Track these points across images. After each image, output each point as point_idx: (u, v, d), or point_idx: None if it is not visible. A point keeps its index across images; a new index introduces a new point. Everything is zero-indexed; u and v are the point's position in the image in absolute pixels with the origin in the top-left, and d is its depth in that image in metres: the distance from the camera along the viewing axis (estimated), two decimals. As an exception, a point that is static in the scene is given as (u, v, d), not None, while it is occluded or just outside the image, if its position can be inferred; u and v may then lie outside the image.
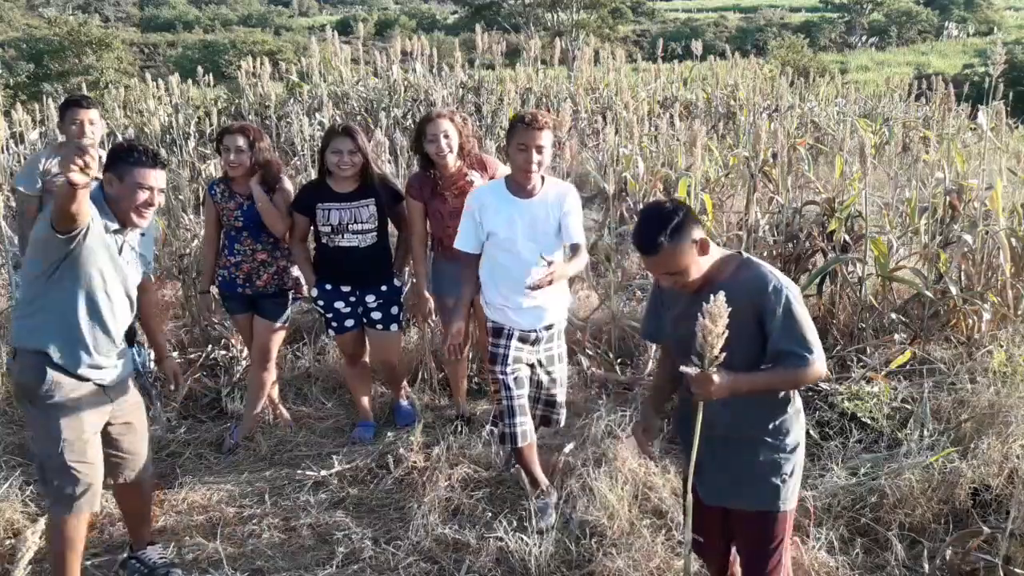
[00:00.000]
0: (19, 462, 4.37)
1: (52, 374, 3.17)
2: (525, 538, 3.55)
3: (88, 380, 3.25)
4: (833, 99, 13.34)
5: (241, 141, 4.47)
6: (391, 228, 4.77)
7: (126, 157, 3.27)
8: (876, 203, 6.14)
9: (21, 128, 9.56)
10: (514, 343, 3.96)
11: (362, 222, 4.49)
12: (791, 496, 2.74)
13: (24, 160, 8.85)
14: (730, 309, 2.32)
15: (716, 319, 2.32)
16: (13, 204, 7.61)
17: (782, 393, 2.70)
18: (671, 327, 2.82)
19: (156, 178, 3.29)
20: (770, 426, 2.69)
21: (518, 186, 3.85)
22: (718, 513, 2.83)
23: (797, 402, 2.76)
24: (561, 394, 4.16)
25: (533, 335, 3.98)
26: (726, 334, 2.34)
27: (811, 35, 43.65)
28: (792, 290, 2.59)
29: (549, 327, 4.02)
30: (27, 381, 3.19)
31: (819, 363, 2.56)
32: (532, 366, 4.06)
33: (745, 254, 2.69)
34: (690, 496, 2.59)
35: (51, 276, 3.12)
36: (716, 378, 2.39)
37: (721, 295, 2.33)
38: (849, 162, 6.43)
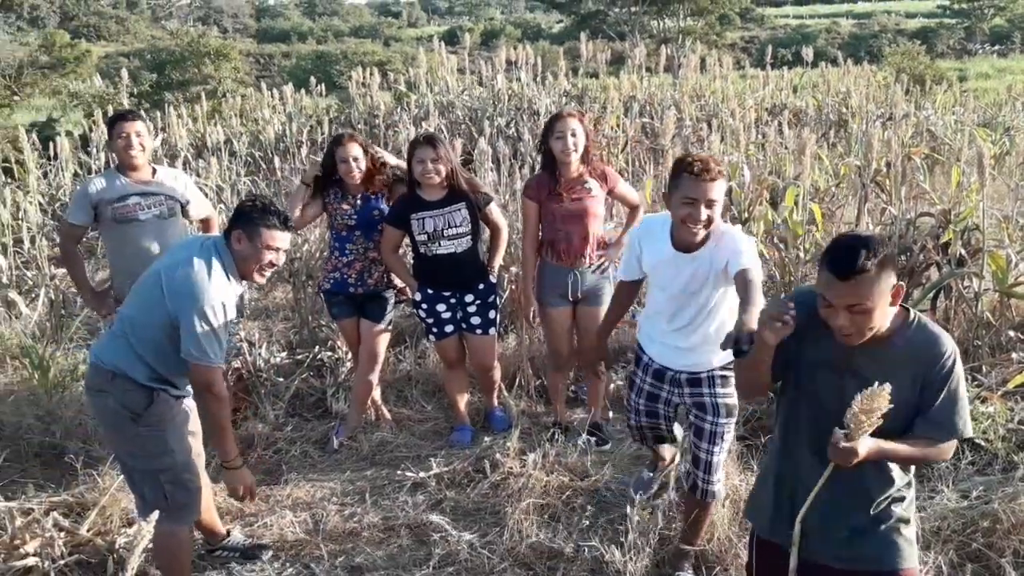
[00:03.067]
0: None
1: (160, 393, 3.31)
2: (620, 551, 3.53)
3: (183, 396, 3.44)
4: (951, 107, 12.85)
5: (357, 150, 4.61)
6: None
7: (259, 218, 3.32)
8: (995, 216, 5.89)
9: (144, 135, 10.00)
10: (649, 379, 3.63)
11: (456, 226, 4.57)
12: (916, 552, 2.55)
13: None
14: (895, 368, 2.25)
15: (875, 403, 2.16)
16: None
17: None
18: (806, 371, 2.48)
19: (284, 240, 3.39)
20: (899, 481, 2.49)
21: (680, 239, 3.31)
22: None
23: None
24: (714, 455, 3.49)
25: (670, 373, 3.55)
26: (880, 423, 2.21)
27: (928, 41, 42.11)
28: (959, 359, 2.36)
29: (695, 375, 3.49)
30: (134, 401, 3.27)
31: (955, 443, 2.42)
32: (681, 407, 3.64)
33: (913, 311, 2.40)
34: (798, 526, 2.48)
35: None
36: (859, 449, 2.25)
37: (887, 387, 2.16)
38: (966, 173, 6.19)
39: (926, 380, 2.33)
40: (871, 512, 2.46)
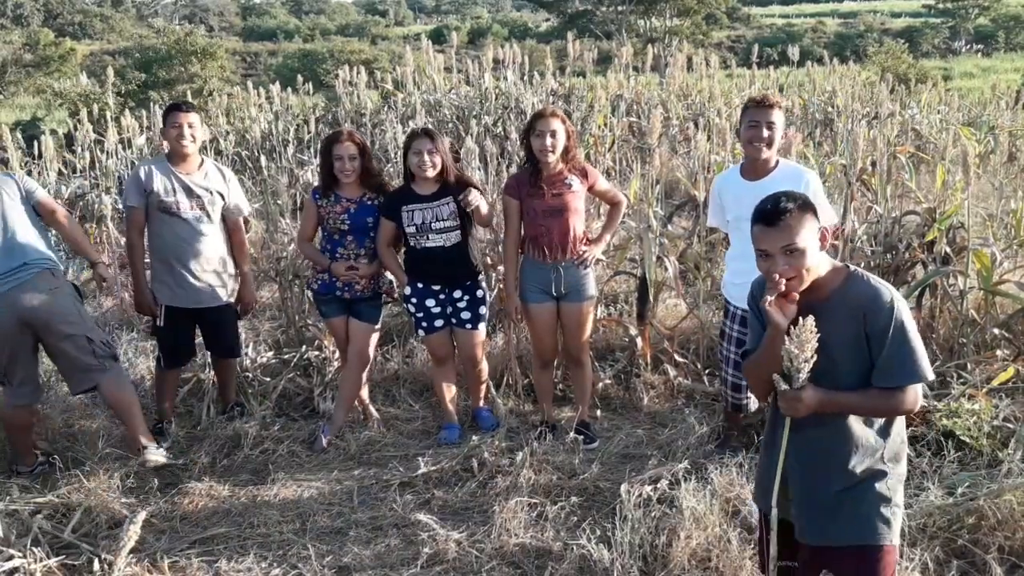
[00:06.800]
0: (120, 454, 4.55)
1: None
2: (608, 550, 3.53)
3: None
4: (935, 106, 12.91)
5: (353, 148, 4.62)
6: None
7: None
8: (979, 214, 5.94)
9: (129, 134, 9.95)
10: (737, 326, 4.29)
11: (443, 220, 4.60)
12: (898, 531, 2.56)
13: (131, 167, 9.21)
14: (838, 322, 2.33)
15: (803, 344, 2.29)
16: (120, 206, 7.98)
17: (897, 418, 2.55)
18: None
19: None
20: (884, 453, 2.52)
21: (749, 167, 4.19)
22: (815, 553, 2.61)
23: (904, 429, 2.60)
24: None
25: None
26: (814, 359, 2.31)
27: (913, 41, 42.30)
28: (905, 308, 2.44)
29: None
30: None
31: (918, 392, 2.45)
32: None
33: (852, 266, 2.54)
34: (775, 511, 2.54)
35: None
36: (804, 396, 2.37)
37: (810, 320, 2.30)
38: (951, 171, 6.22)
39: (870, 329, 2.41)
40: (848, 483, 2.49)
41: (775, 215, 2.40)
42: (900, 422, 2.56)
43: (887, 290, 2.44)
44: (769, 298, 2.41)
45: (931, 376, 2.46)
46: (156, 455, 4.42)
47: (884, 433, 2.53)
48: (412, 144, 4.59)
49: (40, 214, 4.47)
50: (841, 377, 2.44)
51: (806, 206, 2.43)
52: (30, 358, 4.36)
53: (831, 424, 2.49)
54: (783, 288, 2.40)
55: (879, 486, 2.51)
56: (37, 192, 4.47)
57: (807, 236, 2.40)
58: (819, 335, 2.34)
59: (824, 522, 2.53)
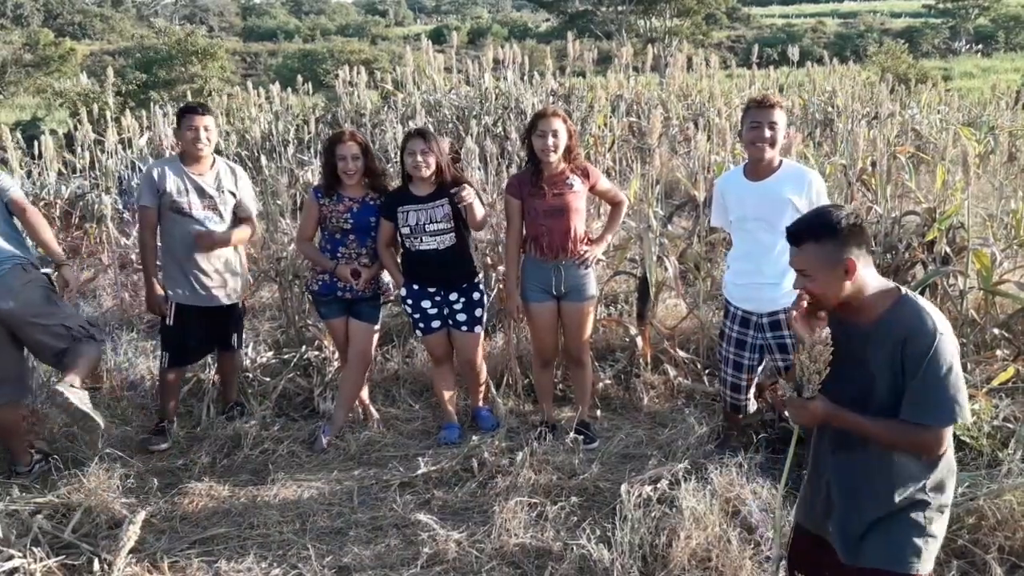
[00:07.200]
0: (120, 454, 4.55)
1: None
2: (608, 550, 3.53)
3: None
4: (935, 106, 12.91)
5: (355, 148, 4.64)
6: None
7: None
8: (979, 214, 5.93)
9: (129, 134, 9.96)
10: (736, 327, 4.30)
11: (436, 222, 4.60)
12: (930, 560, 2.46)
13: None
14: (883, 345, 2.30)
15: (816, 356, 2.28)
16: (120, 206, 7.98)
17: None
18: None
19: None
20: (927, 483, 2.41)
21: (752, 167, 4.16)
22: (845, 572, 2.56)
23: (952, 458, 2.49)
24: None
25: (754, 319, 4.21)
26: (827, 371, 2.29)
27: (913, 41, 42.32)
28: (951, 343, 2.31)
29: (773, 314, 4.11)
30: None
31: (944, 435, 2.33)
32: (766, 349, 4.24)
33: (904, 289, 2.42)
34: (779, 512, 2.54)
35: None
36: (811, 407, 2.35)
37: (826, 331, 2.29)
38: (951, 171, 6.22)
39: (907, 351, 2.29)
40: (887, 511, 2.43)
41: (794, 237, 2.43)
42: (949, 451, 2.43)
43: (934, 320, 2.31)
44: (794, 313, 2.42)
45: (964, 419, 2.34)
46: (71, 393, 4.04)
47: (931, 463, 2.42)
48: (407, 145, 4.61)
49: (12, 212, 4.47)
50: (878, 402, 2.35)
51: (830, 236, 2.36)
52: (9, 355, 4.33)
53: (874, 451, 2.41)
54: (804, 305, 2.41)
55: (916, 515, 2.42)
56: (10, 190, 4.46)
57: (817, 266, 2.38)
58: (865, 358, 2.33)
59: (857, 543, 2.48)
